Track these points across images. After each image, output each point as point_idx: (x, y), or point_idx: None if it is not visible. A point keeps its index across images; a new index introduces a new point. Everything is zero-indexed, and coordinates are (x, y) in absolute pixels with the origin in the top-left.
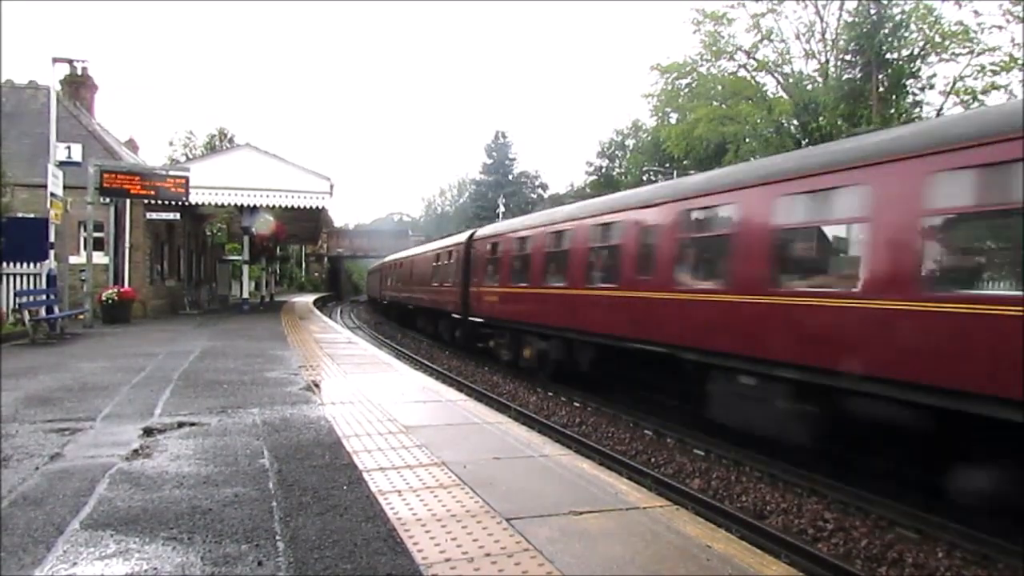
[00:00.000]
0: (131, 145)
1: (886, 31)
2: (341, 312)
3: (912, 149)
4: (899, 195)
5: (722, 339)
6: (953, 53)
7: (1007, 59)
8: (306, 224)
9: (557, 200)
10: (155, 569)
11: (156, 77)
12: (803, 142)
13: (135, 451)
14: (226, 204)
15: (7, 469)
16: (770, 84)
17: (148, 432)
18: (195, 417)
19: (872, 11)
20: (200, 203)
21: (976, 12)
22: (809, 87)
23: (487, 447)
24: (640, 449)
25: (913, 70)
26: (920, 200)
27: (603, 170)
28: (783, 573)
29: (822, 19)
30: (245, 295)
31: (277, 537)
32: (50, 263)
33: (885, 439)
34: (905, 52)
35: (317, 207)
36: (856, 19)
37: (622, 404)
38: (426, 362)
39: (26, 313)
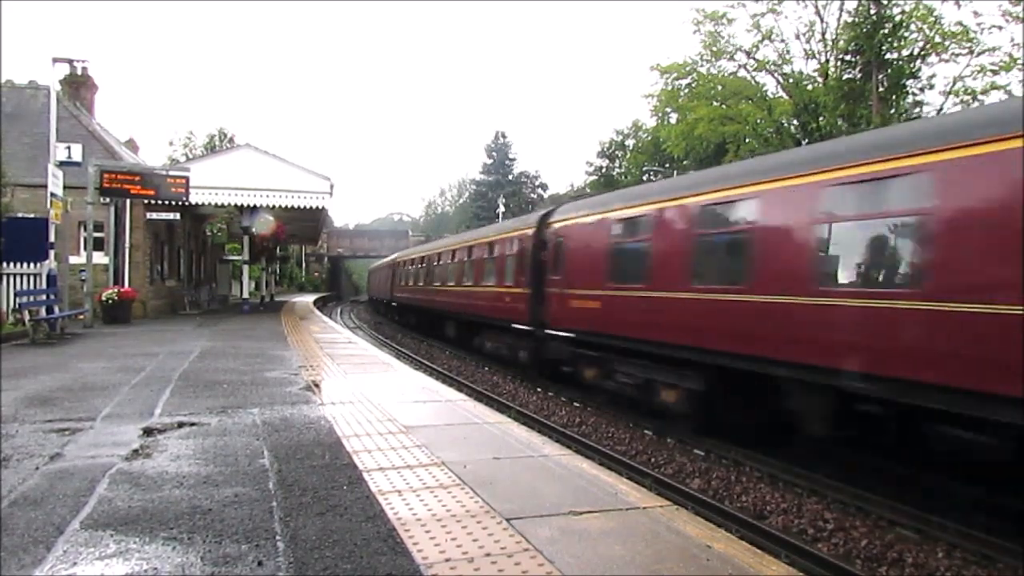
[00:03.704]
0: (131, 145)
1: (886, 31)
2: (341, 312)
3: None
4: None
5: None
6: (953, 53)
7: (1007, 59)
8: (306, 224)
9: (557, 200)
10: (155, 569)
11: (156, 77)
12: (803, 142)
13: (135, 451)
14: (226, 204)
15: (7, 469)
16: (770, 84)
17: (148, 432)
18: (195, 417)
19: (872, 11)
20: (200, 203)
21: (976, 12)
22: (809, 87)
23: (487, 447)
24: (640, 449)
25: (913, 70)
26: None
27: (603, 170)
28: (783, 573)
29: (822, 19)
30: (245, 295)
31: (277, 537)
32: (50, 263)
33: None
34: (905, 52)
35: (317, 207)
36: (856, 19)
37: (622, 405)
38: (426, 362)
39: (26, 313)
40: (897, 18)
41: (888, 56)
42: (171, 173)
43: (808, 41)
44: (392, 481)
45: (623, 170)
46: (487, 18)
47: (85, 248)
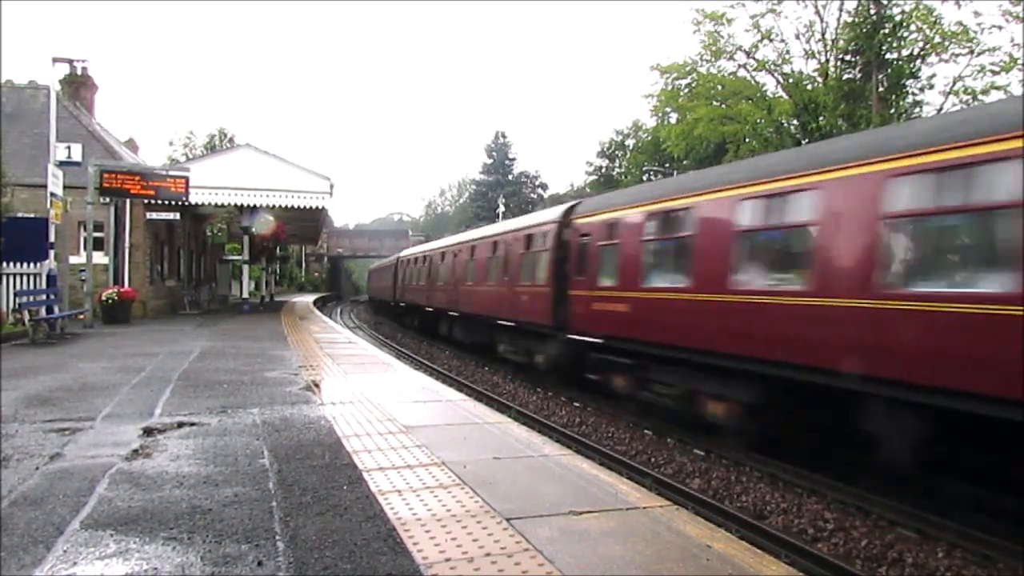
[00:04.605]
0: (131, 145)
1: (886, 31)
2: (341, 312)
3: None
4: None
5: None
6: (953, 53)
7: (1007, 59)
8: (306, 224)
9: (557, 200)
10: (155, 569)
11: (156, 77)
12: (803, 142)
13: (135, 451)
14: (226, 204)
15: (7, 469)
16: (770, 84)
17: (148, 432)
18: (195, 417)
19: (872, 11)
20: (200, 203)
21: (976, 12)
22: (809, 87)
23: (487, 447)
24: (640, 449)
25: (913, 70)
26: None
27: (603, 170)
28: (783, 573)
29: (822, 19)
30: (245, 295)
31: (277, 537)
32: (50, 263)
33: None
34: (905, 52)
35: (317, 207)
36: (856, 19)
37: (622, 404)
38: (426, 362)
39: (26, 313)
40: (897, 18)
41: (888, 56)
42: (171, 173)
43: (808, 41)
44: (392, 481)
45: (623, 170)
46: (487, 18)
47: (85, 248)
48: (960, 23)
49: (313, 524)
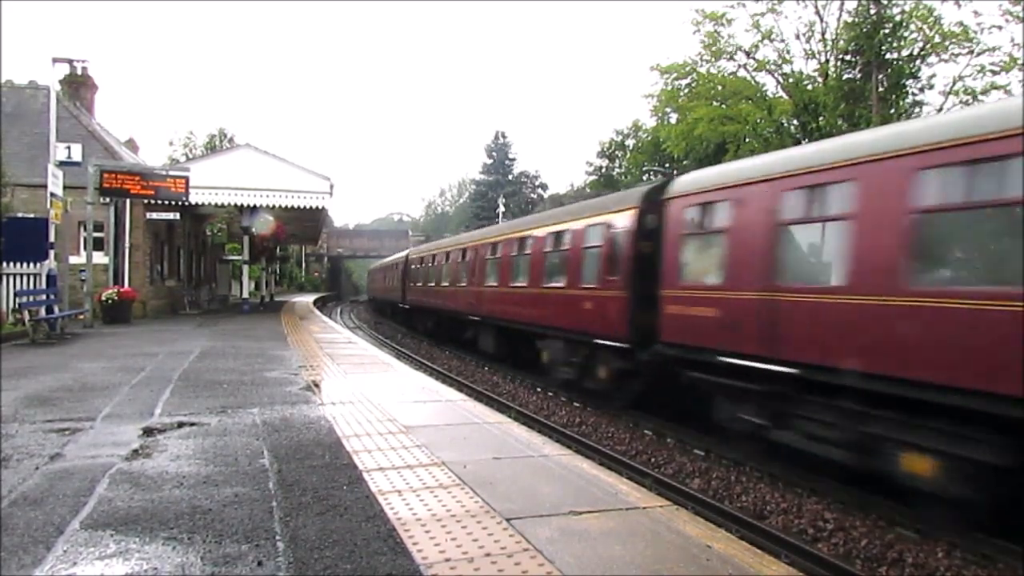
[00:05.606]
0: (131, 145)
1: (886, 31)
2: (341, 312)
3: None
4: None
5: None
6: (953, 53)
7: (1007, 59)
8: (306, 224)
9: (557, 200)
10: (155, 569)
11: (156, 77)
12: (803, 142)
13: (135, 451)
14: (226, 204)
15: (7, 469)
16: (770, 84)
17: (148, 432)
18: (195, 417)
19: (872, 11)
20: (200, 203)
21: (976, 12)
22: (809, 87)
23: (487, 447)
24: (640, 449)
25: (913, 70)
26: None
27: (603, 170)
28: (783, 573)
29: (822, 19)
30: (245, 295)
31: (277, 537)
32: (50, 263)
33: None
34: (905, 52)
35: (317, 207)
36: (856, 19)
37: (622, 404)
38: (426, 362)
39: (26, 313)
40: (897, 18)
41: (888, 56)
42: (171, 173)
43: (808, 41)
44: (392, 481)
45: (623, 170)
46: (487, 18)
47: (85, 248)
48: (960, 23)
49: (313, 524)
